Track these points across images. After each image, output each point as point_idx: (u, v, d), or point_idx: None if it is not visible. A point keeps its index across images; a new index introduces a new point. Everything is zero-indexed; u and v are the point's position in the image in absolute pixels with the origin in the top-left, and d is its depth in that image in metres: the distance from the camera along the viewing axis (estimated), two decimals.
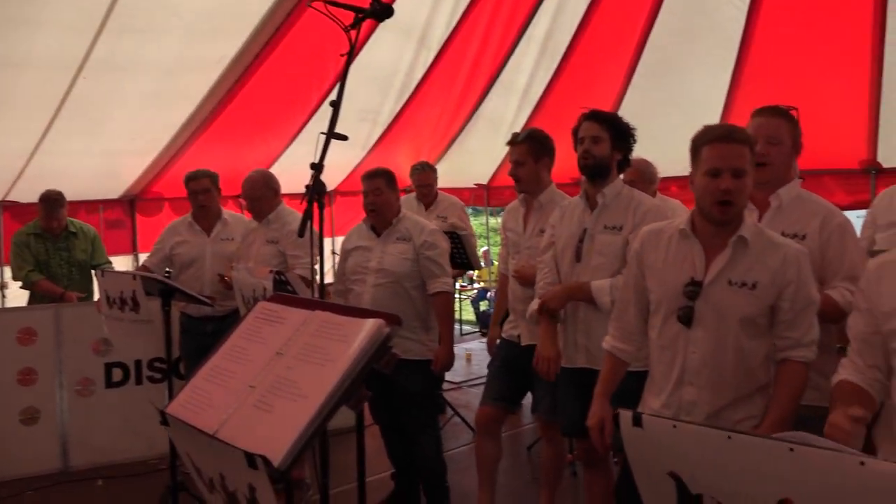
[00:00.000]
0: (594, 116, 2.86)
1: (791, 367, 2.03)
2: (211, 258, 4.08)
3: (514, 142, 3.25)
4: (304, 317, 1.67)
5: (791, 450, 1.09)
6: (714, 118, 5.82)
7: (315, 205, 2.24)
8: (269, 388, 1.53)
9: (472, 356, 6.60)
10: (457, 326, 7.71)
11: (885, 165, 5.22)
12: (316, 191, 2.22)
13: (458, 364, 6.61)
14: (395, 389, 3.48)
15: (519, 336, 3.25)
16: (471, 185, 7.60)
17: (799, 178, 2.49)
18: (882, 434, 1.73)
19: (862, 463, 1.02)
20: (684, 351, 2.09)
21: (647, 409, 2.22)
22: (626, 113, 6.49)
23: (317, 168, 2.24)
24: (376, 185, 3.48)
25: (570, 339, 2.87)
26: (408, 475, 3.74)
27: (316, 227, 2.25)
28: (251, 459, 1.35)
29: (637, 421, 1.27)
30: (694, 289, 2.07)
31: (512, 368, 3.28)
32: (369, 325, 1.50)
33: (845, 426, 1.51)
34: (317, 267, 2.63)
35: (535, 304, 2.89)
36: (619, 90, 6.51)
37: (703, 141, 2.06)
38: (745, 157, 2.01)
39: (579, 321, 2.85)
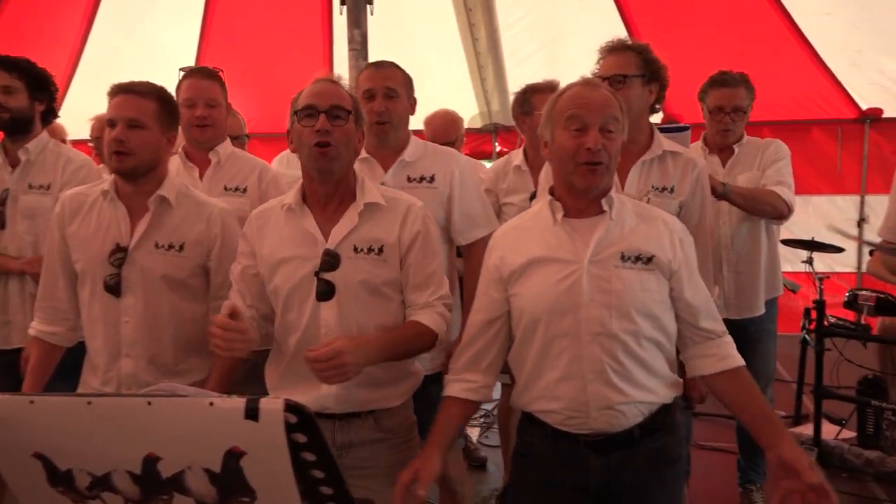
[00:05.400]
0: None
1: None
2: None
3: None
4: None
5: (149, 403, 1.06)
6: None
7: None
8: None
9: None
10: None
11: None
12: None
13: None
14: None
15: None
16: None
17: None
18: (270, 369, 1.87)
19: (211, 403, 1.04)
20: (117, 322, 1.96)
21: (88, 388, 2.03)
22: (92, 61, 5.94)
23: None
24: None
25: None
26: None
27: None
28: None
29: None
30: (120, 255, 1.95)
31: None
32: None
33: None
34: None
35: None
36: (80, 37, 5.87)
37: None
38: (141, 110, 1.93)
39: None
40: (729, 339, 1.71)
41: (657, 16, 5.32)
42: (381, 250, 1.77)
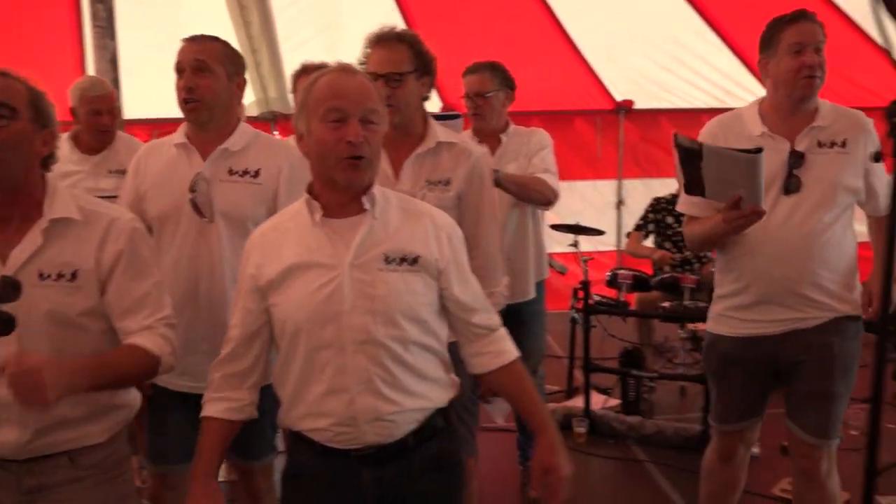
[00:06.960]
0: None
1: None
2: None
3: None
4: None
5: None
6: None
7: None
8: None
9: None
10: None
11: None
12: None
13: None
14: None
15: None
16: None
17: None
18: None
19: None
20: None
21: None
22: None
23: None
24: None
25: None
26: None
27: None
28: None
29: None
30: None
31: None
32: None
33: None
34: None
35: None
36: None
37: None
38: None
39: None
40: (503, 332, 1.70)
41: (432, 5, 5.38)
42: (73, 276, 1.52)
